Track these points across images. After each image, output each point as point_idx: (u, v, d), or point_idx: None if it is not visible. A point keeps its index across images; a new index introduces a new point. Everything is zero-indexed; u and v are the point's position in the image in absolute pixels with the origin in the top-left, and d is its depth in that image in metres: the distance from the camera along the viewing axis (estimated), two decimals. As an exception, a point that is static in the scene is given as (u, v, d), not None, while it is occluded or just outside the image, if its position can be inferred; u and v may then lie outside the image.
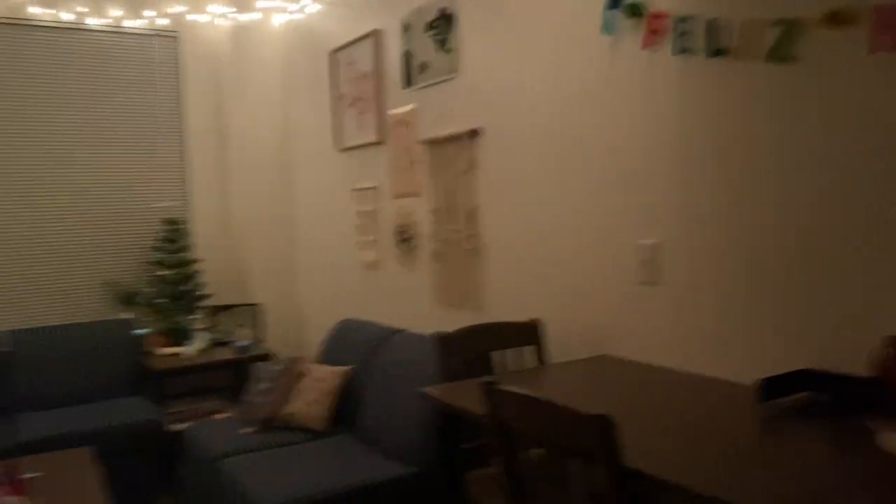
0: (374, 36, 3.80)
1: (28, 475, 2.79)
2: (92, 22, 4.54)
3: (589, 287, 2.64)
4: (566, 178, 2.71)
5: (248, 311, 4.81)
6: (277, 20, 4.84)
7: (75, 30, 4.50)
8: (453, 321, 3.25)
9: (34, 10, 4.37)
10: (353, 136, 4.08)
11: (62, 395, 4.09)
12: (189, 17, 4.78)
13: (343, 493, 2.64)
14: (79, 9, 4.48)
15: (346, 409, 3.46)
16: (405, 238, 3.72)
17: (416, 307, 3.68)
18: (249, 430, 3.44)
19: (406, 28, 3.53)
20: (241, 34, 4.81)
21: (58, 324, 4.27)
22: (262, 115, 4.85)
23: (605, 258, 2.57)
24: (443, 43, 3.29)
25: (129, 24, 4.65)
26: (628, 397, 2.01)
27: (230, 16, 4.75)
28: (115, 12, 4.59)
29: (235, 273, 4.99)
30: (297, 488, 2.64)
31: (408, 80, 3.56)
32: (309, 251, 4.77)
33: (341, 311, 4.39)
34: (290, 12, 4.71)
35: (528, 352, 2.69)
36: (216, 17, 4.82)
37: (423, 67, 3.43)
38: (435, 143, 3.39)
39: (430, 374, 2.88)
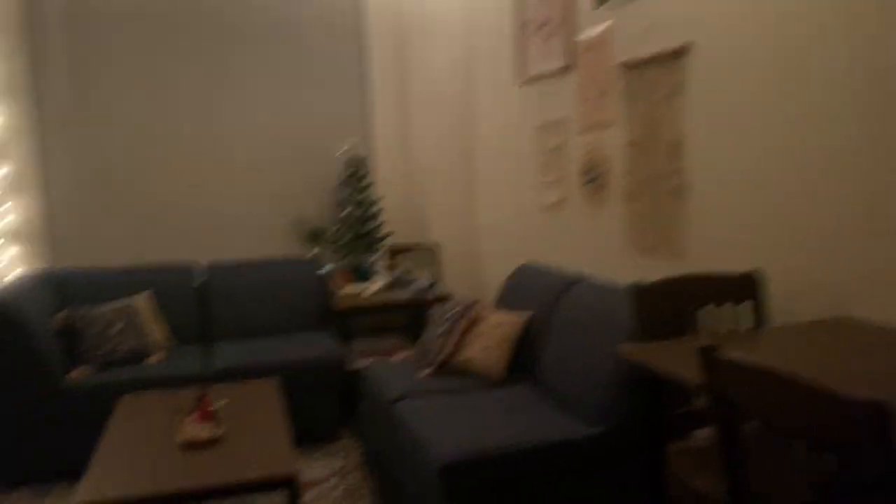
0: (566, -50, 3.41)
1: (218, 403, 2.86)
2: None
3: (823, 234, 2.17)
4: (796, 104, 2.22)
5: (427, 252, 4.72)
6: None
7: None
8: (647, 269, 2.89)
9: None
10: (537, 64, 3.76)
11: (252, 327, 4.24)
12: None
13: (523, 450, 2.43)
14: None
15: (523, 358, 3.24)
16: (593, 176, 3.37)
17: (604, 252, 3.34)
18: (425, 372, 3.33)
19: (602, -64, 3.11)
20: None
21: (249, 259, 4.42)
22: (442, 50, 4.64)
23: (847, 200, 2.08)
24: (646, -51, 2.84)
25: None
26: (882, 374, 1.59)
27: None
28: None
29: (414, 213, 4.91)
30: (474, 440, 2.46)
31: (602, -2, 3.16)
32: (489, 191, 4.55)
33: (521, 255, 4.15)
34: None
35: (742, 310, 2.28)
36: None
37: (622, -20, 3.01)
38: (633, 67, 2.98)
39: (622, 329, 2.56)
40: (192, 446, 2.55)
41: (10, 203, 4.15)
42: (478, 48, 4.56)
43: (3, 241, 4.12)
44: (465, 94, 4.67)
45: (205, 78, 4.49)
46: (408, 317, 4.80)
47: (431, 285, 4.33)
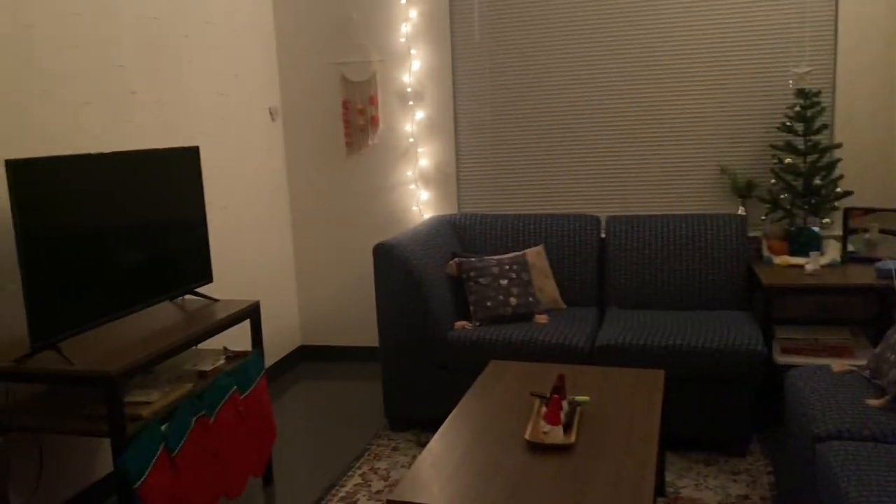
0: None
1: (582, 399, 2.35)
2: None
3: None
4: None
5: (906, 220, 3.41)
6: None
7: None
8: None
9: None
10: None
11: (654, 296, 3.61)
12: None
13: None
14: None
15: None
16: None
17: None
18: (878, 401, 2.30)
19: None
20: None
21: (658, 213, 3.75)
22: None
23: None
24: None
25: None
26: None
27: None
28: None
29: (890, 167, 3.60)
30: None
31: None
32: None
33: None
34: None
35: None
36: None
37: None
38: None
39: None
40: (538, 448, 2.10)
41: (423, 148, 4.21)
42: None
43: (414, 186, 4.22)
44: None
45: (623, 1, 3.87)
46: (864, 307, 3.61)
47: (906, 268, 3.09)
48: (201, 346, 3.00)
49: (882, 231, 3.46)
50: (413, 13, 4.11)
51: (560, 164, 4.08)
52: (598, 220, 3.79)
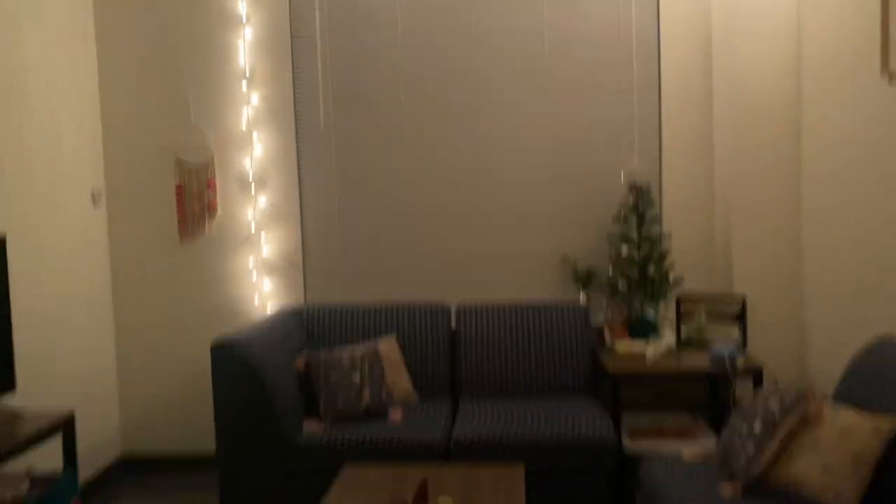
0: None
1: (444, 500, 2.20)
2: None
3: None
4: None
5: (729, 307, 3.66)
6: None
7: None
8: None
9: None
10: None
11: (506, 384, 3.59)
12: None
13: None
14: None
15: (887, 487, 2.13)
16: None
17: None
18: (730, 488, 2.35)
19: None
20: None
21: (505, 301, 3.78)
22: (764, 52, 3.58)
23: None
24: None
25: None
26: None
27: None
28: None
29: (714, 254, 3.89)
30: None
31: None
32: (823, 228, 3.38)
33: (876, 323, 2.94)
34: None
35: None
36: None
37: None
38: None
39: None
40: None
41: (266, 234, 4.00)
42: (819, 39, 3.44)
43: (255, 276, 3.98)
44: (792, 101, 3.56)
45: (466, 96, 3.98)
46: (702, 391, 3.80)
47: (735, 353, 3.29)
48: (0, 469, 2.53)
49: (710, 315, 3.69)
50: (255, 98, 3.97)
51: (410, 250, 4.03)
52: (448, 309, 3.75)
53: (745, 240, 3.66)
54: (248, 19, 3.95)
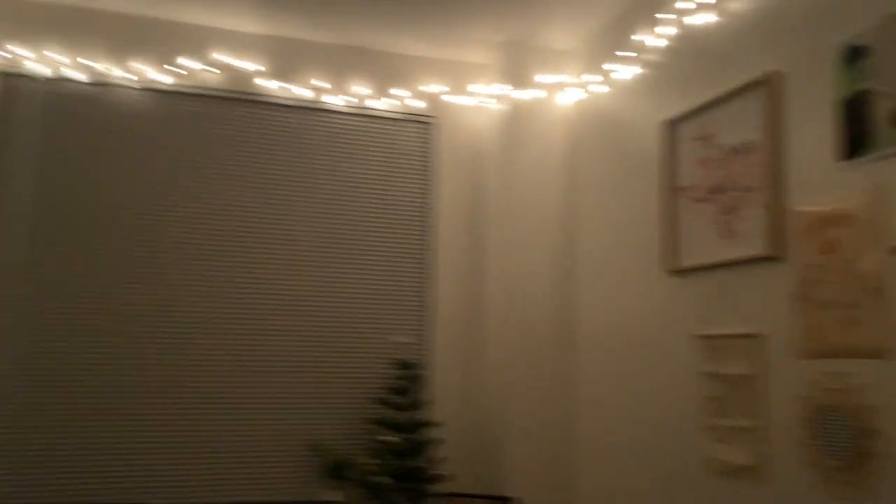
0: (769, 84, 2.29)
1: None
2: (330, 100, 3.52)
3: None
4: None
5: (501, 510, 3.22)
6: (567, 97, 3.50)
7: (308, 109, 3.50)
8: None
9: (262, 83, 3.43)
10: (704, 249, 2.53)
11: None
12: (447, 98, 3.65)
13: None
14: (314, 82, 3.49)
15: None
16: (840, 436, 1.99)
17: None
18: None
19: (854, 56, 2.00)
20: (519, 116, 3.50)
21: (241, 501, 2.96)
22: (534, 230, 3.44)
23: None
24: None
25: (374, 104, 3.58)
26: None
27: (503, 95, 3.51)
28: (360, 90, 3.54)
29: (484, 450, 3.47)
30: None
31: (854, 146, 1.98)
32: (602, 429, 3.14)
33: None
34: (589, 86, 3.37)
35: None
36: (483, 98, 3.63)
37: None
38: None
39: None
40: None
41: None
42: (592, 225, 3.38)
43: None
44: (566, 286, 3.41)
45: (223, 253, 3.31)
46: None
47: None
48: None
49: (480, 521, 3.20)
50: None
51: (106, 442, 3.07)
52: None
53: (519, 437, 3.31)
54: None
